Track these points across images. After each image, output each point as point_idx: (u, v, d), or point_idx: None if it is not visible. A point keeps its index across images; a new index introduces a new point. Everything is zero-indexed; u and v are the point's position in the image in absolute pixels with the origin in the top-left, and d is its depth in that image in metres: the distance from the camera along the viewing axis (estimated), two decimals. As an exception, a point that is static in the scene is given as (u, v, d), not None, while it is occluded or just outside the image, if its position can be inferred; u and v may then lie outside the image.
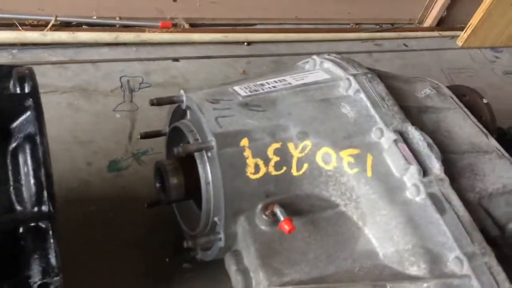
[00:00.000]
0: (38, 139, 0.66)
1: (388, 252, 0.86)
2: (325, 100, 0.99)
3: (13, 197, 0.66)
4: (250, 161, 0.88)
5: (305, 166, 0.92)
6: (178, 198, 0.96)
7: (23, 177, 0.66)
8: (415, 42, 2.33)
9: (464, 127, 1.10)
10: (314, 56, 1.12)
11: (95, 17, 1.67)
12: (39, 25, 1.57)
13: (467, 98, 1.25)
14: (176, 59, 1.69)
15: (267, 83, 1.02)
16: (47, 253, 0.65)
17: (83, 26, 1.65)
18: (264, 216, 0.87)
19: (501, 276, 0.81)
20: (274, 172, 0.90)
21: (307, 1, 2.12)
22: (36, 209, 0.65)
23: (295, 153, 0.92)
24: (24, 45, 1.51)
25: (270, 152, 0.90)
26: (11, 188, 0.66)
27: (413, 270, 0.82)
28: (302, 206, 0.90)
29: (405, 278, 0.82)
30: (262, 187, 0.89)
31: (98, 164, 1.26)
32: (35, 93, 0.69)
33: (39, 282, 0.65)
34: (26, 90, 0.69)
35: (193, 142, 0.90)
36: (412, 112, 1.06)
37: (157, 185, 0.98)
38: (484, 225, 0.92)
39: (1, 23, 1.53)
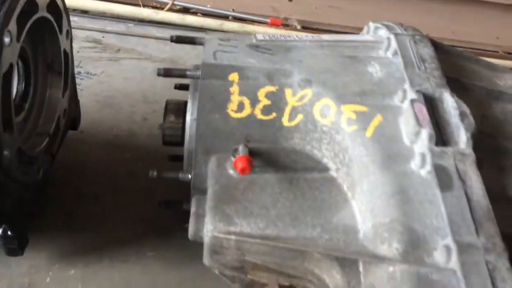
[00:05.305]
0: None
1: (366, 229, 0.67)
2: (353, 57, 0.85)
3: None
4: (235, 98, 0.79)
5: (299, 117, 0.78)
6: (174, 139, 0.91)
7: None
8: None
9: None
10: (370, 23, 0.98)
11: (209, 6, 1.77)
12: (159, 8, 1.73)
13: None
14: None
15: (297, 36, 0.92)
16: None
17: (198, 14, 1.76)
18: (232, 158, 0.76)
19: (508, 286, 0.55)
20: (260, 116, 0.79)
21: (444, 20, 1.91)
22: None
23: (291, 100, 0.79)
24: (140, 21, 1.67)
25: (261, 93, 0.80)
26: None
27: (382, 249, 0.62)
28: (285, 161, 0.77)
29: (368, 256, 0.62)
30: (243, 129, 0.78)
31: (152, 121, 1.29)
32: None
33: None
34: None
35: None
36: (475, 92, 0.84)
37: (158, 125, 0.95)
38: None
39: (126, 2, 1.72)
